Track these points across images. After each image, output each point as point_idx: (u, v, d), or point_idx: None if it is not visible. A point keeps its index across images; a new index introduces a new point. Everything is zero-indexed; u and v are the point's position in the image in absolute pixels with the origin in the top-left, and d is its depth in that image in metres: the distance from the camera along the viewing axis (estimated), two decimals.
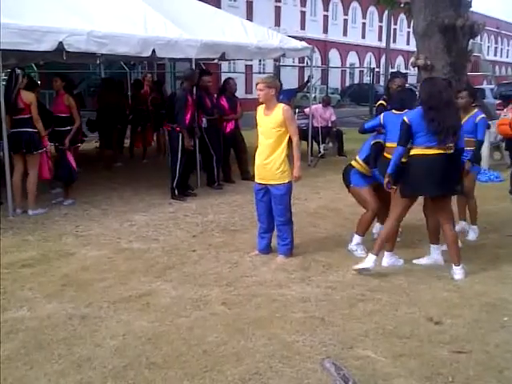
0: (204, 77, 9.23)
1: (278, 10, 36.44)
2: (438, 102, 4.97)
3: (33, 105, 7.21)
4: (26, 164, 7.39)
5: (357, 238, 5.92)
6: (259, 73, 27.82)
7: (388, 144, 5.53)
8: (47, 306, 4.50)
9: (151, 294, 4.77)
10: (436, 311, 4.43)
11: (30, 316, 4.30)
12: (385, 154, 5.54)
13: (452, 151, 5.07)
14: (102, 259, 5.69)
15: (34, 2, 7.58)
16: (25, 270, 5.32)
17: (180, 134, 8.32)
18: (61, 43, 7.10)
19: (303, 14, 39.37)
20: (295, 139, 5.54)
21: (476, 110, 6.49)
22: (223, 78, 11.01)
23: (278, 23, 35.54)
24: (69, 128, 8.05)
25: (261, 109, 5.67)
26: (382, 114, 5.68)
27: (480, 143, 6.42)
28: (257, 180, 5.74)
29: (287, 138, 5.55)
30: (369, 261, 5.24)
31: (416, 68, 8.55)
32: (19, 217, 7.20)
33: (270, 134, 5.53)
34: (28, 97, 7.21)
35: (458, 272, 5.20)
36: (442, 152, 5.02)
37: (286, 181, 5.59)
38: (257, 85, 5.55)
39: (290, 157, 5.62)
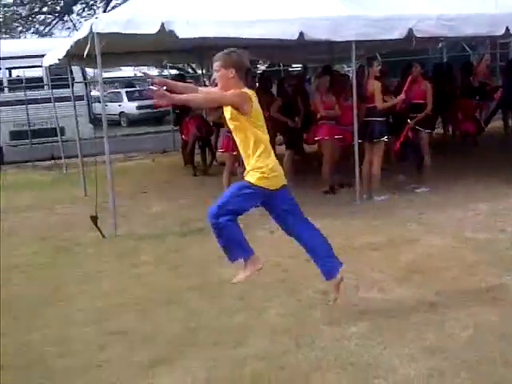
0: None
1: None
2: None
3: (376, 92, 7.42)
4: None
5: None
6: None
7: None
8: (396, 289, 4.66)
9: (501, 288, 4.55)
10: None
11: (380, 298, 4.52)
12: None
13: None
14: (446, 248, 5.65)
15: None
16: (373, 253, 5.60)
17: None
18: (410, 30, 7.11)
19: None
20: None
21: None
22: None
23: None
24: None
25: None
26: None
27: None
28: None
29: None
30: None
31: None
32: (365, 202, 7.62)
33: None
34: (371, 85, 7.48)
35: None
36: None
37: None
38: None
39: None
